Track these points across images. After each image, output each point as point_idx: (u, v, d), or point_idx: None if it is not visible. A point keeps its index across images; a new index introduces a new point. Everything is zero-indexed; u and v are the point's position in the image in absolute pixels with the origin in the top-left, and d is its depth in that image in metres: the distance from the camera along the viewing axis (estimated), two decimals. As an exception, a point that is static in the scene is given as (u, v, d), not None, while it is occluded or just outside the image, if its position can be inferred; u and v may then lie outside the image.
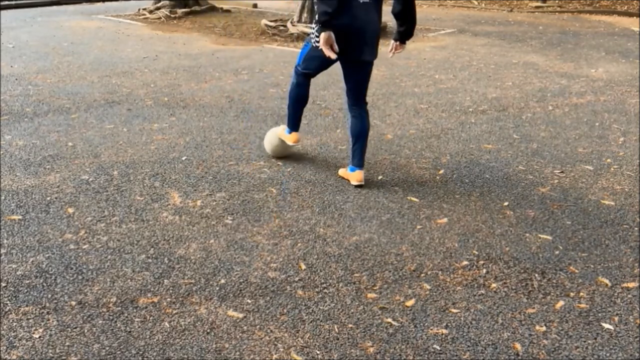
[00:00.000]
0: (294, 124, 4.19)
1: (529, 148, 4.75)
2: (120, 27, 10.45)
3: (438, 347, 2.46)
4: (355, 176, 3.98)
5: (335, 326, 2.58)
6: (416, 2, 3.75)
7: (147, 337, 2.48)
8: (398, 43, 3.89)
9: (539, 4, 14.65)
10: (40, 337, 2.47)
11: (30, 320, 2.56)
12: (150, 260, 3.04)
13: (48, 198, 3.71)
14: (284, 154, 4.43)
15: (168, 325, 2.55)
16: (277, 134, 4.34)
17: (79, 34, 9.60)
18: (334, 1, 3.50)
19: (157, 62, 7.67)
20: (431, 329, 2.57)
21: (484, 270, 3.02)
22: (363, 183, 3.96)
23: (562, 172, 4.29)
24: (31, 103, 5.71)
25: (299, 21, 9.74)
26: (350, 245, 3.23)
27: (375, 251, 3.18)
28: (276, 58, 8.06)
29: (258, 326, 2.57)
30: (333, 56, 3.62)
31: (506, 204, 3.77)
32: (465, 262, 3.09)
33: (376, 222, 3.50)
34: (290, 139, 4.22)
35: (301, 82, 4.03)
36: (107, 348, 2.41)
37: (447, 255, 3.15)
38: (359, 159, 3.97)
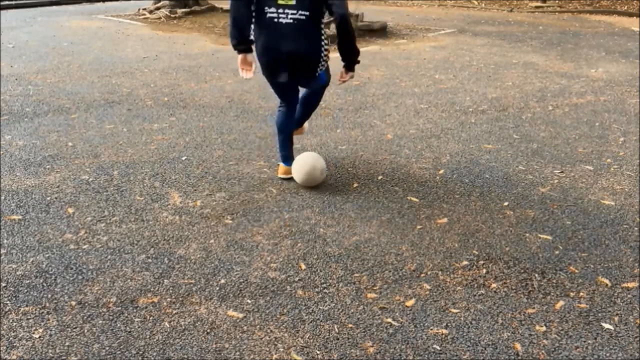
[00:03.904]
0: (280, 156, 4.04)
1: (529, 148, 4.75)
2: (120, 27, 10.45)
3: (438, 347, 2.46)
4: (279, 169, 4.05)
5: (335, 326, 2.58)
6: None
7: (147, 337, 2.48)
8: (344, 70, 3.71)
9: (539, 4, 14.66)
10: (40, 337, 2.47)
11: (30, 320, 2.56)
12: (150, 260, 3.04)
13: (48, 198, 3.71)
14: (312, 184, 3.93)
15: (168, 325, 2.55)
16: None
17: (79, 34, 9.61)
18: (240, 26, 3.44)
19: (157, 62, 7.67)
20: (431, 329, 2.57)
21: (484, 270, 3.02)
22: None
23: (562, 172, 4.29)
24: (31, 103, 5.71)
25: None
26: (350, 245, 3.23)
27: (375, 251, 3.18)
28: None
29: (258, 326, 2.57)
30: (247, 76, 3.59)
31: (506, 204, 3.77)
32: (465, 262, 3.09)
33: (376, 222, 3.50)
34: (278, 170, 4.08)
35: (279, 106, 3.93)
36: (107, 348, 2.41)
37: (447, 255, 3.15)
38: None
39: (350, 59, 3.64)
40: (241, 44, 3.48)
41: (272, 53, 3.51)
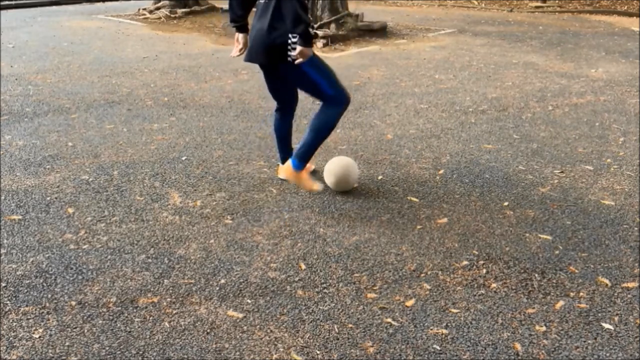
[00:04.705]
0: (279, 157, 4.07)
1: (529, 148, 4.75)
2: (120, 27, 10.45)
3: (438, 347, 2.46)
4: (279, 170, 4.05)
5: (335, 326, 2.58)
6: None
7: (147, 337, 2.48)
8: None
9: (539, 4, 14.66)
10: (40, 337, 2.47)
11: (30, 320, 2.57)
12: (150, 260, 3.05)
13: (48, 198, 3.71)
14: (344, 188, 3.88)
15: (168, 325, 2.56)
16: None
17: (79, 34, 9.60)
18: (232, 6, 3.67)
19: (157, 62, 7.67)
20: (431, 329, 2.57)
21: (484, 270, 3.02)
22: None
23: (562, 172, 4.29)
24: (31, 103, 5.71)
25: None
26: (350, 245, 3.23)
27: (375, 251, 3.18)
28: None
29: (258, 326, 2.57)
30: (232, 53, 3.83)
31: (506, 204, 3.77)
32: (465, 262, 3.09)
33: (376, 222, 3.50)
34: (278, 170, 4.08)
35: (275, 109, 4.00)
36: (107, 348, 2.41)
37: (447, 255, 3.15)
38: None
39: (293, 30, 3.32)
40: (233, 21, 3.75)
41: (252, 33, 3.65)
